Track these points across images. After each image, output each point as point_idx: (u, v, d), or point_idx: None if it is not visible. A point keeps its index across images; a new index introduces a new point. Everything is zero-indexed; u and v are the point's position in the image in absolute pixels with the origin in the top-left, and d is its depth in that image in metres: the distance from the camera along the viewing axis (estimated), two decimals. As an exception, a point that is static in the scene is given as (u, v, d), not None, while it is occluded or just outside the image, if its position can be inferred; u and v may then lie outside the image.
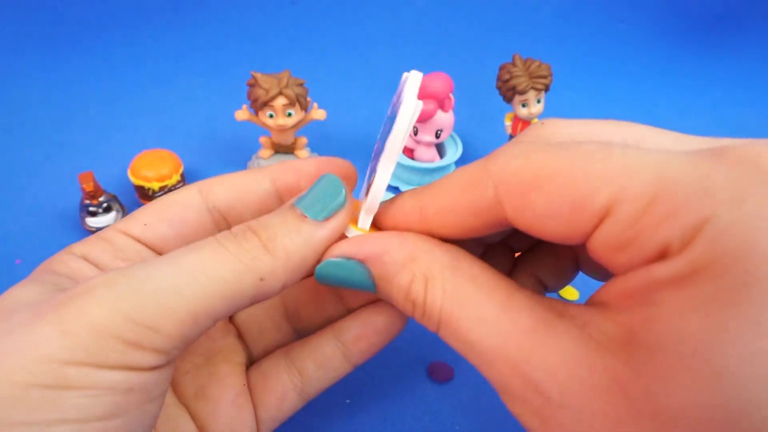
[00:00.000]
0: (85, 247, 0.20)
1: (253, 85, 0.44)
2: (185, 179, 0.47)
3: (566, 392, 0.14)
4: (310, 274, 0.20)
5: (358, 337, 0.24)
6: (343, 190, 0.19)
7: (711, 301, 0.12)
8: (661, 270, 0.13)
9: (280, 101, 0.43)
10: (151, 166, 0.45)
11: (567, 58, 0.75)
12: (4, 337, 0.15)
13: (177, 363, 0.23)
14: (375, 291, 0.19)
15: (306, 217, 0.18)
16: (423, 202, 0.19)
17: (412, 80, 0.18)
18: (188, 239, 0.21)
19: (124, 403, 0.15)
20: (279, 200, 0.22)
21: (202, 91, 0.64)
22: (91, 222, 0.42)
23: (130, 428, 0.16)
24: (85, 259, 0.20)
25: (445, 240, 0.19)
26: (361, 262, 0.19)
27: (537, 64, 0.46)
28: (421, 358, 0.35)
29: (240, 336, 0.26)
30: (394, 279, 0.18)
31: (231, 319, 0.26)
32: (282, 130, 0.46)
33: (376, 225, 0.21)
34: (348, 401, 0.33)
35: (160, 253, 0.21)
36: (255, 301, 0.18)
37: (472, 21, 0.79)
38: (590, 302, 0.16)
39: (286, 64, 0.47)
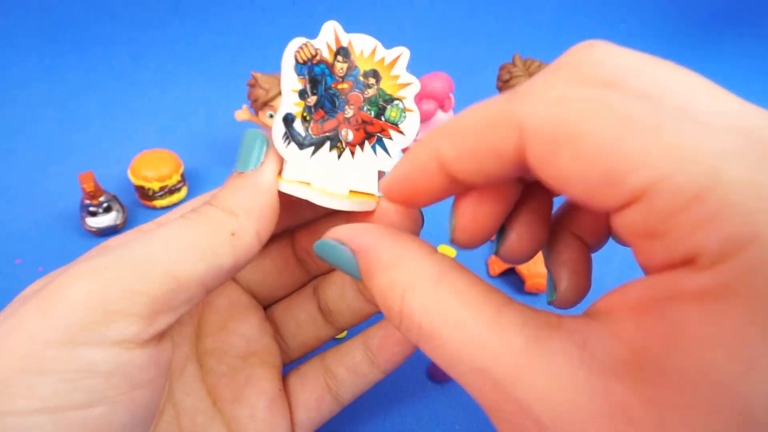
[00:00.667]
0: (120, 238, 0.21)
1: (254, 85, 0.44)
2: (185, 179, 0.47)
3: (563, 420, 0.12)
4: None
5: (380, 345, 0.25)
6: (258, 135, 0.20)
7: (743, 333, 0.10)
8: (688, 280, 0.11)
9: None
10: (151, 166, 0.45)
11: (567, 58, 0.75)
12: (5, 319, 0.16)
13: (214, 365, 0.23)
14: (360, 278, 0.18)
15: (243, 172, 0.20)
16: (439, 149, 0.16)
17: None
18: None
19: (105, 388, 0.15)
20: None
21: (202, 91, 0.64)
22: (92, 222, 0.42)
23: (115, 418, 0.16)
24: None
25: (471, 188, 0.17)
26: (352, 251, 0.18)
27: (537, 64, 0.46)
28: (421, 358, 0.35)
29: (275, 335, 0.26)
30: (374, 279, 0.17)
31: (268, 316, 0.27)
32: (282, 130, 0.46)
33: (393, 187, 0.19)
34: (348, 401, 0.33)
35: None
36: (237, 259, 0.19)
37: (472, 21, 0.79)
38: (591, 313, 0.14)
39: (286, 64, 0.47)
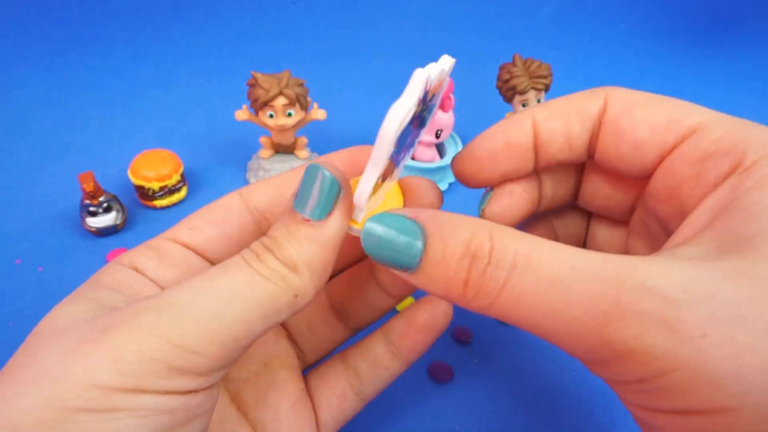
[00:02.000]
0: (133, 255, 0.21)
1: (254, 85, 0.44)
2: (185, 179, 0.47)
3: (691, 286, 0.14)
4: (340, 266, 0.22)
5: (402, 335, 0.25)
6: (332, 178, 0.18)
7: None
8: (743, 179, 0.16)
9: (281, 101, 0.43)
10: (151, 166, 0.45)
11: (567, 58, 0.75)
12: (58, 359, 0.15)
13: (235, 372, 0.24)
14: (418, 259, 0.17)
15: (309, 220, 0.18)
16: (534, 113, 0.21)
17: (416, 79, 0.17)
18: (232, 239, 0.22)
19: (169, 423, 0.16)
20: None
21: (202, 91, 0.64)
22: (92, 222, 0.42)
23: None
24: (133, 267, 0.20)
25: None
26: (412, 217, 0.18)
27: (537, 64, 0.46)
28: (422, 358, 0.35)
29: (291, 338, 0.26)
30: (452, 234, 0.17)
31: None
32: (282, 130, 0.46)
33: (475, 154, 0.22)
34: (348, 401, 0.33)
35: (204, 255, 0.22)
36: (291, 315, 0.18)
37: (472, 21, 0.79)
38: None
39: (286, 64, 0.47)
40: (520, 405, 0.33)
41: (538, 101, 0.48)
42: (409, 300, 0.39)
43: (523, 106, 0.47)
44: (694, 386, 0.14)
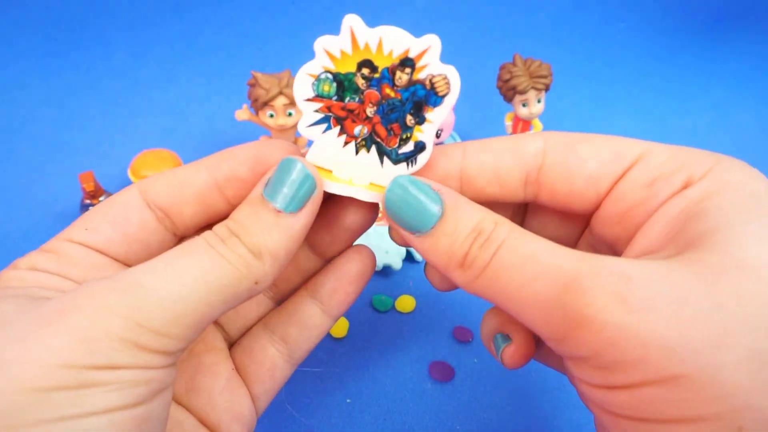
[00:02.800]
0: (30, 260, 0.20)
1: (254, 84, 0.44)
2: (185, 179, 0.47)
3: (646, 269, 0.16)
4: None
5: (333, 290, 0.24)
6: (311, 176, 0.19)
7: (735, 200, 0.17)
8: (695, 190, 0.18)
9: (281, 101, 0.43)
10: (151, 166, 0.45)
11: (567, 57, 0.75)
12: (11, 346, 0.15)
13: None
14: (431, 224, 0.19)
15: (281, 212, 0.19)
16: (467, 149, 0.22)
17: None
18: (133, 238, 0.21)
19: (144, 393, 0.16)
20: (218, 190, 0.22)
21: (202, 91, 0.64)
22: (92, 222, 0.42)
23: (153, 412, 0.17)
24: (34, 269, 0.20)
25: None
26: (435, 189, 0.20)
27: (537, 63, 0.46)
28: (422, 358, 0.35)
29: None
30: (466, 212, 0.19)
31: None
32: (282, 129, 0.46)
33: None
34: (348, 401, 0.33)
35: (107, 255, 0.21)
36: (247, 300, 0.19)
37: (472, 21, 0.79)
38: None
39: (287, 64, 0.47)
40: (521, 404, 0.33)
41: (539, 101, 0.48)
42: (409, 301, 0.39)
43: (524, 105, 0.47)
44: (643, 356, 0.14)
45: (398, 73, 0.20)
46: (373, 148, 0.21)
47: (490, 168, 0.22)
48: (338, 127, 0.21)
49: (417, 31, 0.20)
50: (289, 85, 0.43)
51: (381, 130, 0.21)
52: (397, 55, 0.20)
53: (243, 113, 0.46)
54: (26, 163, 0.51)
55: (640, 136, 0.20)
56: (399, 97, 0.20)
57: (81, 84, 0.64)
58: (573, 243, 0.24)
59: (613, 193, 0.20)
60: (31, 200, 0.47)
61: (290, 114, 0.45)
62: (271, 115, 0.44)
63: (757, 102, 0.71)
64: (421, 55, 0.20)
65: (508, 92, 0.47)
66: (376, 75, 0.20)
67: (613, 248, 0.21)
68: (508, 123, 0.51)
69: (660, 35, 0.81)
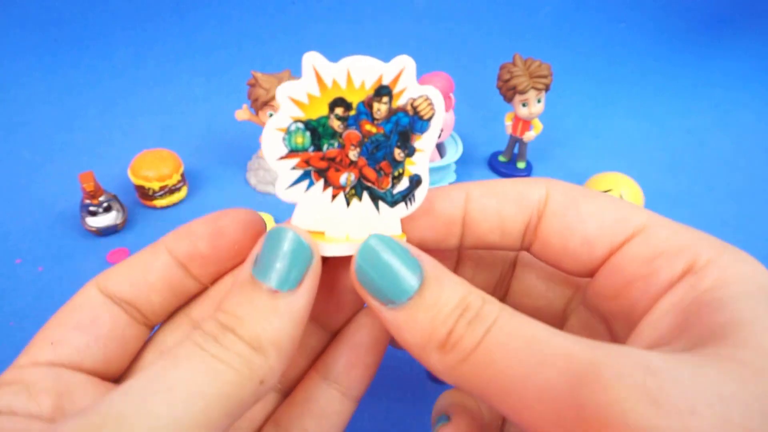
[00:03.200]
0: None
1: (254, 84, 0.44)
2: (185, 179, 0.47)
3: (673, 361, 0.13)
4: None
5: (349, 365, 0.21)
6: (305, 243, 0.17)
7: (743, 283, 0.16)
8: (705, 279, 0.16)
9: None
10: (151, 166, 0.45)
11: (567, 57, 0.75)
12: None
13: None
14: (408, 296, 0.16)
15: (277, 291, 0.16)
16: (471, 193, 0.20)
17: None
18: (107, 338, 0.18)
19: None
20: (182, 270, 0.19)
21: (202, 91, 0.64)
22: (92, 222, 0.42)
23: None
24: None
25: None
26: (414, 256, 0.17)
27: (537, 63, 0.46)
28: (422, 358, 0.35)
29: None
30: (450, 285, 0.16)
31: None
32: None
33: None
34: (348, 401, 0.33)
35: (80, 368, 0.18)
36: (255, 404, 0.16)
37: (472, 21, 0.79)
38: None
39: (286, 64, 0.47)
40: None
41: (539, 101, 0.48)
42: None
43: (524, 105, 0.47)
44: None
45: (375, 105, 0.18)
46: (365, 195, 0.19)
47: (493, 214, 0.20)
48: (321, 181, 0.18)
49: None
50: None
51: (369, 172, 0.18)
52: (370, 85, 0.17)
53: (243, 113, 0.46)
54: (26, 163, 0.51)
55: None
56: (381, 131, 0.18)
57: (81, 83, 0.64)
58: (560, 312, 0.23)
59: (610, 262, 0.18)
60: (31, 200, 0.47)
61: (290, 114, 0.45)
62: (271, 115, 0.44)
63: (757, 102, 0.71)
64: (396, 80, 0.17)
65: (508, 92, 0.47)
66: (352, 112, 0.17)
67: (607, 323, 0.20)
68: (508, 123, 0.51)
69: (660, 35, 0.81)
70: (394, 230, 0.19)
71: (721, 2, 0.81)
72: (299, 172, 0.18)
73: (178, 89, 0.64)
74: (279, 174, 0.18)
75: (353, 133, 0.18)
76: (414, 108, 0.18)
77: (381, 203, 0.19)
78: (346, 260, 0.18)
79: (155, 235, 0.21)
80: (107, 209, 0.42)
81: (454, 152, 0.49)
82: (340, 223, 0.19)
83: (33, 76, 0.64)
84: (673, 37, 0.81)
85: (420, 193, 0.19)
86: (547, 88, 0.47)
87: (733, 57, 0.79)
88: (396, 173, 0.19)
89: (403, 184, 0.19)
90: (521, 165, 0.54)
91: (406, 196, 0.19)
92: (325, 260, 0.18)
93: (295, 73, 0.44)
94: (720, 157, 0.59)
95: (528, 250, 0.21)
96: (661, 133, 0.62)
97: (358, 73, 0.17)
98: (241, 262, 0.18)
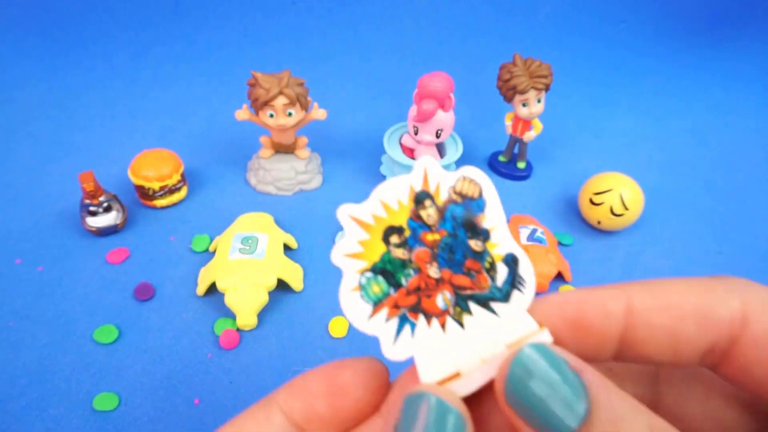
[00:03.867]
0: None
1: (254, 84, 0.44)
2: (185, 179, 0.47)
3: None
4: None
5: None
6: (454, 409, 0.14)
7: None
8: None
9: (281, 101, 0.43)
10: (151, 166, 0.45)
11: (567, 57, 0.75)
12: None
13: None
14: (576, 426, 0.13)
15: None
16: (635, 305, 0.15)
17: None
18: None
19: None
20: (299, 430, 0.17)
21: (202, 91, 0.64)
22: (92, 222, 0.42)
23: None
24: None
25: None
26: (575, 370, 0.14)
27: (537, 63, 0.46)
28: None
29: None
30: (627, 412, 0.13)
31: None
32: (282, 129, 0.46)
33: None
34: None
35: None
36: None
37: (473, 21, 0.79)
38: None
39: (287, 64, 0.47)
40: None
41: (539, 101, 0.48)
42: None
43: (524, 105, 0.47)
44: None
45: (423, 213, 0.17)
46: (473, 305, 0.17)
47: (665, 335, 0.16)
48: (421, 316, 0.17)
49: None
50: (289, 84, 0.43)
51: (461, 280, 0.17)
52: (407, 200, 0.17)
53: (243, 113, 0.46)
54: (26, 163, 0.51)
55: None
56: (446, 233, 0.17)
57: (81, 84, 0.64)
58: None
59: None
60: (31, 200, 0.47)
61: (290, 114, 0.45)
62: (271, 115, 0.44)
63: (757, 102, 0.71)
64: (426, 181, 0.17)
65: (508, 92, 0.47)
66: (407, 233, 0.17)
67: None
68: (508, 123, 0.51)
69: (660, 35, 0.81)
70: (530, 325, 0.17)
71: (721, 3, 0.81)
72: (396, 322, 0.16)
73: (178, 89, 0.64)
74: (378, 336, 0.16)
75: (421, 250, 0.17)
76: (459, 194, 0.17)
77: (494, 304, 0.17)
78: (484, 392, 0.16)
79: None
80: (107, 209, 0.42)
81: (454, 152, 0.49)
82: (467, 350, 0.17)
83: (33, 77, 0.64)
84: (673, 37, 0.81)
85: (526, 271, 0.17)
86: (547, 88, 0.47)
87: (733, 58, 0.79)
88: (487, 265, 0.17)
89: (502, 271, 0.17)
90: (521, 165, 0.54)
91: (513, 281, 0.17)
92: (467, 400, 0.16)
93: (295, 73, 0.44)
94: (720, 157, 0.59)
95: (711, 369, 0.17)
96: (661, 133, 0.62)
97: (390, 196, 0.17)
98: (364, 419, 0.16)
